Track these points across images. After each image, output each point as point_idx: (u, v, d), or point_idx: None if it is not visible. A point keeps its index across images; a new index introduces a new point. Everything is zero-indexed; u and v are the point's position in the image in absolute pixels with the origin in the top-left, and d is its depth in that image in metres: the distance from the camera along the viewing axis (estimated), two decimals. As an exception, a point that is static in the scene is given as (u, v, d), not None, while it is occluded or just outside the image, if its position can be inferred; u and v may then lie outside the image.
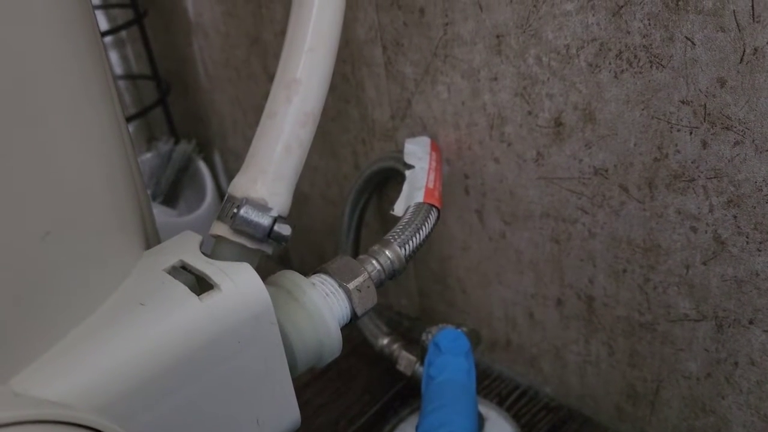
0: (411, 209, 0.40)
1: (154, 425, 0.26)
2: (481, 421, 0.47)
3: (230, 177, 0.74)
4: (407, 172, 0.43)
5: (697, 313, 0.39)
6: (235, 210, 0.28)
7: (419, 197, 0.40)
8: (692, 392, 0.41)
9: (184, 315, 0.26)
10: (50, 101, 0.24)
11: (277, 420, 0.30)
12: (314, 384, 0.55)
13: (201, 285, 0.28)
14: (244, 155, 0.71)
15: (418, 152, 0.45)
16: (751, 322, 0.37)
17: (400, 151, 0.46)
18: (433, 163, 0.44)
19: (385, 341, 0.51)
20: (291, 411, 0.31)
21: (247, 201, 0.28)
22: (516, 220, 0.45)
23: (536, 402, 0.50)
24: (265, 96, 0.62)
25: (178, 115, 0.73)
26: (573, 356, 0.47)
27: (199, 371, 0.27)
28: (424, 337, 0.44)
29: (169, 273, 0.28)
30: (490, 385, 0.52)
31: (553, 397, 0.50)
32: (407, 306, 0.59)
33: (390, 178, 0.51)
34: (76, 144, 0.25)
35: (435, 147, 0.46)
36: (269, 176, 0.29)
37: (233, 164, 0.72)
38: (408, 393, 0.52)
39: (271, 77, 0.59)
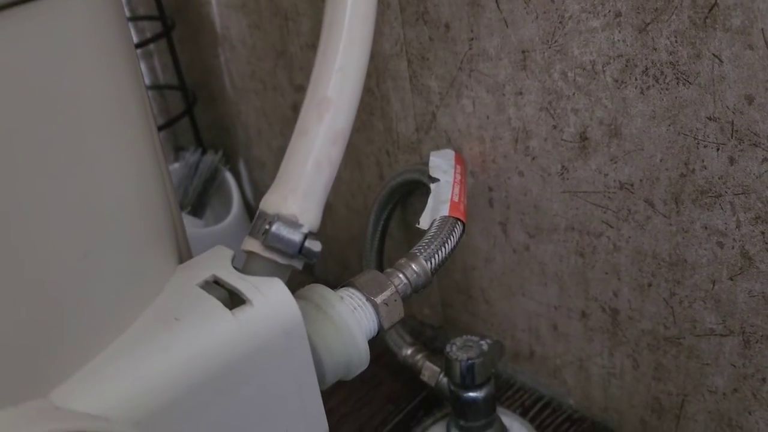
0: (437, 223, 0.40)
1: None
2: (503, 431, 0.47)
3: (255, 185, 0.75)
4: (432, 186, 0.44)
5: (723, 328, 0.39)
6: (266, 226, 0.28)
7: (444, 211, 0.41)
8: (718, 407, 0.41)
9: (218, 330, 0.27)
10: (88, 118, 0.25)
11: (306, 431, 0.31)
12: (338, 392, 0.56)
13: (233, 299, 0.28)
14: (268, 164, 0.71)
15: (443, 165, 0.45)
16: (778, 338, 0.37)
17: (425, 164, 0.46)
18: (458, 177, 0.44)
19: (409, 351, 0.51)
20: (319, 423, 0.31)
21: (279, 218, 0.29)
22: (540, 232, 0.46)
23: (559, 413, 0.50)
24: (291, 107, 0.63)
25: (204, 124, 0.74)
26: (597, 368, 0.48)
27: (232, 385, 0.27)
28: (448, 348, 0.45)
29: (203, 288, 0.29)
30: (513, 396, 0.53)
31: (577, 409, 0.50)
32: (430, 316, 0.59)
33: (414, 190, 0.51)
34: (114, 160, 0.26)
35: (459, 160, 0.46)
36: (300, 193, 0.29)
37: (258, 173, 0.73)
38: (431, 402, 0.53)
39: (296, 89, 0.60)
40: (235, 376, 0.27)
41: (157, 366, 0.26)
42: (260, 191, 0.74)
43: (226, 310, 0.27)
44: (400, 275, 0.36)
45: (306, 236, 0.29)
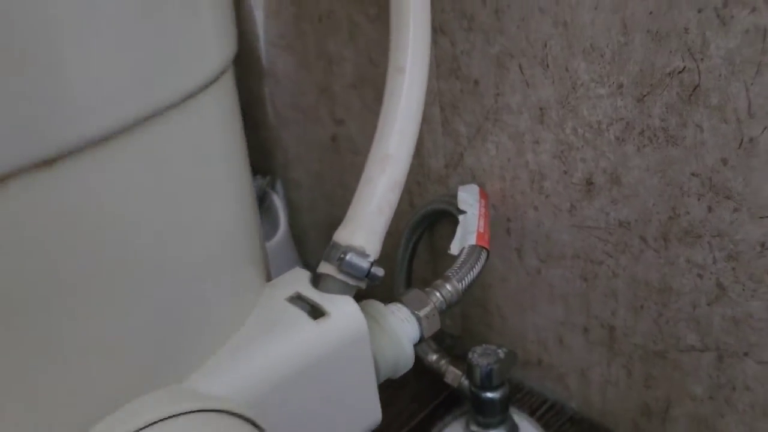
0: (466, 250, 0.48)
1: (279, 418, 0.34)
2: (515, 428, 0.55)
3: (291, 203, 0.83)
4: (460, 217, 0.52)
5: (702, 345, 0.47)
6: (341, 255, 0.36)
7: (472, 240, 0.49)
8: (697, 411, 0.49)
9: (305, 335, 0.35)
10: (216, 173, 0.33)
11: (365, 418, 0.38)
12: (368, 392, 0.63)
13: (314, 312, 0.36)
14: (305, 186, 0.79)
15: (469, 199, 0.53)
16: (746, 355, 0.44)
17: (452, 195, 0.54)
18: (482, 210, 0.52)
19: (434, 357, 0.59)
20: (375, 412, 0.39)
21: (351, 248, 0.37)
22: (550, 258, 0.54)
23: (562, 415, 0.58)
24: (330, 137, 0.71)
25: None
26: (596, 376, 0.55)
27: (314, 378, 0.35)
28: (470, 355, 0.52)
29: (290, 302, 0.37)
30: (522, 398, 0.60)
31: (578, 411, 0.58)
32: (450, 326, 0.67)
33: (441, 218, 0.59)
34: (233, 204, 0.34)
35: (483, 194, 0.54)
36: (365, 230, 0.37)
37: (294, 193, 0.81)
38: (451, 402, 0.61)
39: (337, 122, 0.68)
40: (317, 371, 0.35)
41: (262, 362, 0.33)
42: (295, 209, 0.82)
43: (311, 320, 0.35)
44: (437, 294, 0.44)
45: (372, 264, 0.36)
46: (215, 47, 0.31)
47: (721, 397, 0.47)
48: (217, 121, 0.33)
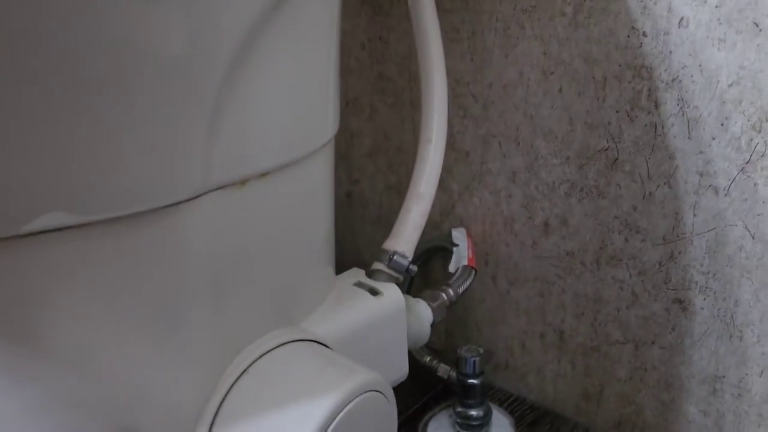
0: (460, 269, 0.68)
1: (352, 353, 0.52)
2: (489, 413, 0.73)
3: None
4: (455, 249, 0.72)
5: (623, 339, 0.67)
6: (390, 256, 0.55)
7: (465, 262, 0.68)
8: (622, 390, 0.69)
9: (368, 305, 0.53)
10: (321, 203, 0.52)
11: (397, 369, 0.57)
12: (373, 390, 0.80)
13: (372, 292, 0.55)
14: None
15: (460, 237, 0.73)
16: (653, 343, 0.65)
17: (446, 236, 0.74)
18: (470, 244, 0.72)
19: (428, 358, 0.77)
20: (404, 366, 0.57)
21: (396, 253, 0.56)
22: (517, 281, 0.74)
23: (524, 404, 0.77)
24: (346, 194, 0.90)
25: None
26: (549, 372, 0.74)
27: (372, 334, 0.53)
28: (459, 350, 0.71)
29: (355, 285, 0.55)
30: (494, 394, 0.79)
31: (535, 401, 0.77)
32: (435, 341, 0.86)
33: (436, 253, 0.79)
34: (329, 212, 0.53)
35: (469, 234, 0.75)
36: (405, 240, 0.57)
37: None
38: (441, 397, 0.78)
39: (353, 182, 0.88)
40: (373, 329, 0.53)
41: (341, 318, 0.52)
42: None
43: (372, 296, 0.54)
44: (444, 294, 0.63)
45: (410, 263, 0.56)
46: (334, 117, 0.51)
47: (637, 377, 0.67)
48: (327, 168, 0.52)
